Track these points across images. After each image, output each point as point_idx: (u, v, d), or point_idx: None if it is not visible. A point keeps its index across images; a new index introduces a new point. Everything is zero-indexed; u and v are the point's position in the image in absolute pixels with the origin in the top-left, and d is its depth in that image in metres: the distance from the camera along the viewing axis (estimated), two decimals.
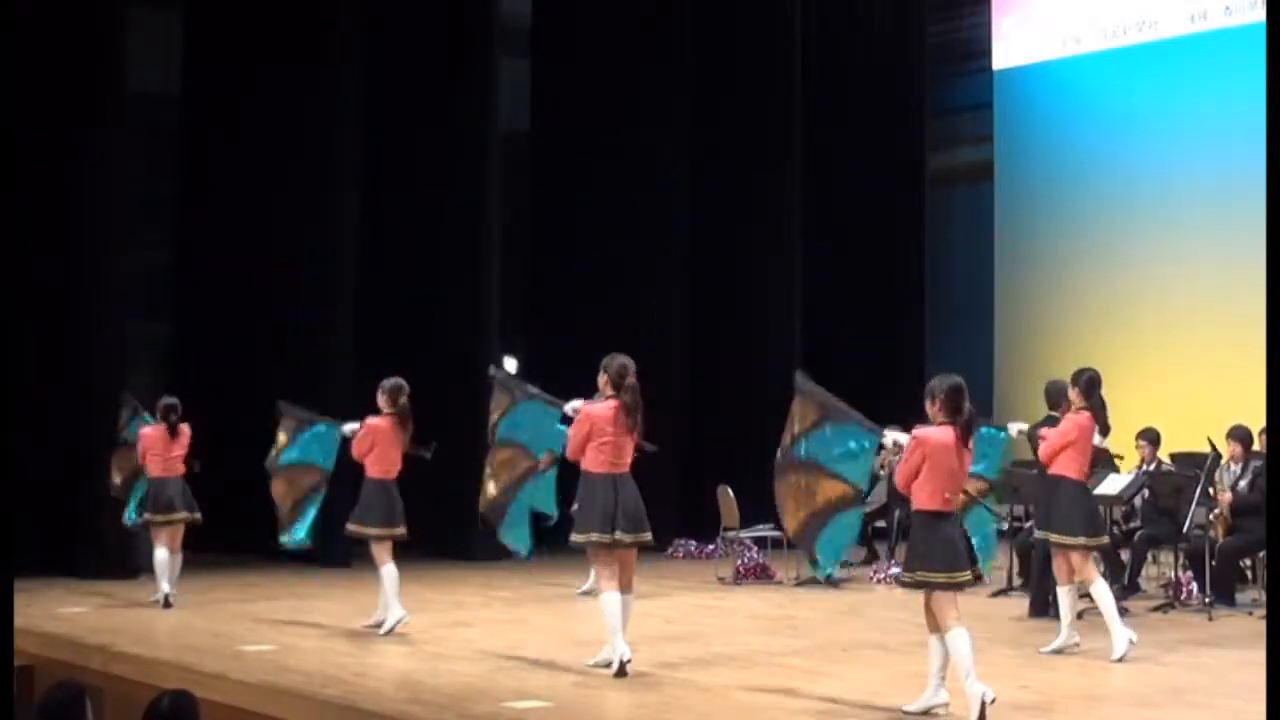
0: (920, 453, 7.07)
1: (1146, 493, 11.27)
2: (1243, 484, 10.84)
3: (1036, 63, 17.01)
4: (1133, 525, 11.48)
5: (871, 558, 13.63)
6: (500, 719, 7.23)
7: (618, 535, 8.19)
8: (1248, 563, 11.28)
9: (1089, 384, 8.90)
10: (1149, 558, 11.69)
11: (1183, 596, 10.83)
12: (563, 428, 9.27)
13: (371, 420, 9.83)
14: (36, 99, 12.46)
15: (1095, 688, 8.14)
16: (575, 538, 8.34)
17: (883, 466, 13.92)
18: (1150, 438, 11.48)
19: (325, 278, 14.05)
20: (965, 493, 7.44)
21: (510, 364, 12.73)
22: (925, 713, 7.14)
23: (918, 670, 7.45)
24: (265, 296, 14.03)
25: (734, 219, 16.44)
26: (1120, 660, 8.55)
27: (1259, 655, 7.51)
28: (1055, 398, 9.66)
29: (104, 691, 8.13)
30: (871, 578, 12.73)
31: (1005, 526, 12.27)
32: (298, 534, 10.49)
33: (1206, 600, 10.50)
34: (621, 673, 8.05)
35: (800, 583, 12.48)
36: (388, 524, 9.73)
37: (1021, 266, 17.04)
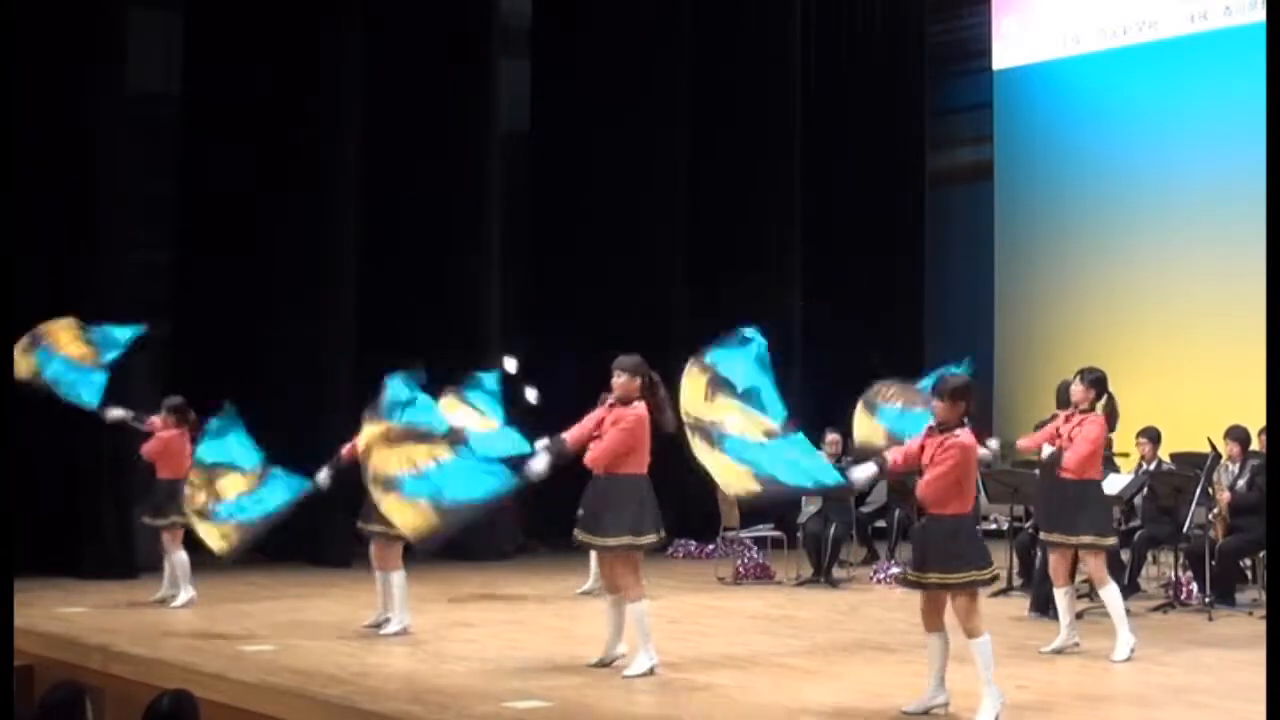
0: (967, 461, 7.04)
1: (1146, 492, 11.28)
2: (1241, 483, 10.86)
3: (1036, 63, 17.02)
4: (1133, 525, 11.48)
5: (871, 558, 13.64)
6: (500, 719, 7.23)
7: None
8: (1248, 563, 11.28)
9: (1098, 383, 8.87)
10: (1149, 558, 11.70)
11: (1183, 596, 10.83)
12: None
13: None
14: (36, 99, 12.46)
15: (1095, 688, 8.14)
16: (645, 540, 8.20)
17: None
18: (1151, 436, 11.48)
19: (325, 278, 14.04)
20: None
21: (510, 364, 12.74)
22: (925, 713, 7.14)
23: (918, 670, 7.45)
24: (265, 296, 14.02)
25: (734, 219, 16.44)
26: (1119, 660, 8.56)
27: (1259, 655, 7.51)
28: (1066, 398, 9.61)
29: (104, 691, 8.12)
30: (871, 578, 12.73)
31: (1005, 526, 12.30)
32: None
33: (1206, 600, 10.50)
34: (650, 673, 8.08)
35: (800, 583, 12.48)
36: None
37: (1021, 266, 17.04)
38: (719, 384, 7.42)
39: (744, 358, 7.53)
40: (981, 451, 8.06)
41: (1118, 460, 11.58)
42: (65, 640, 9.57)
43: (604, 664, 8.37)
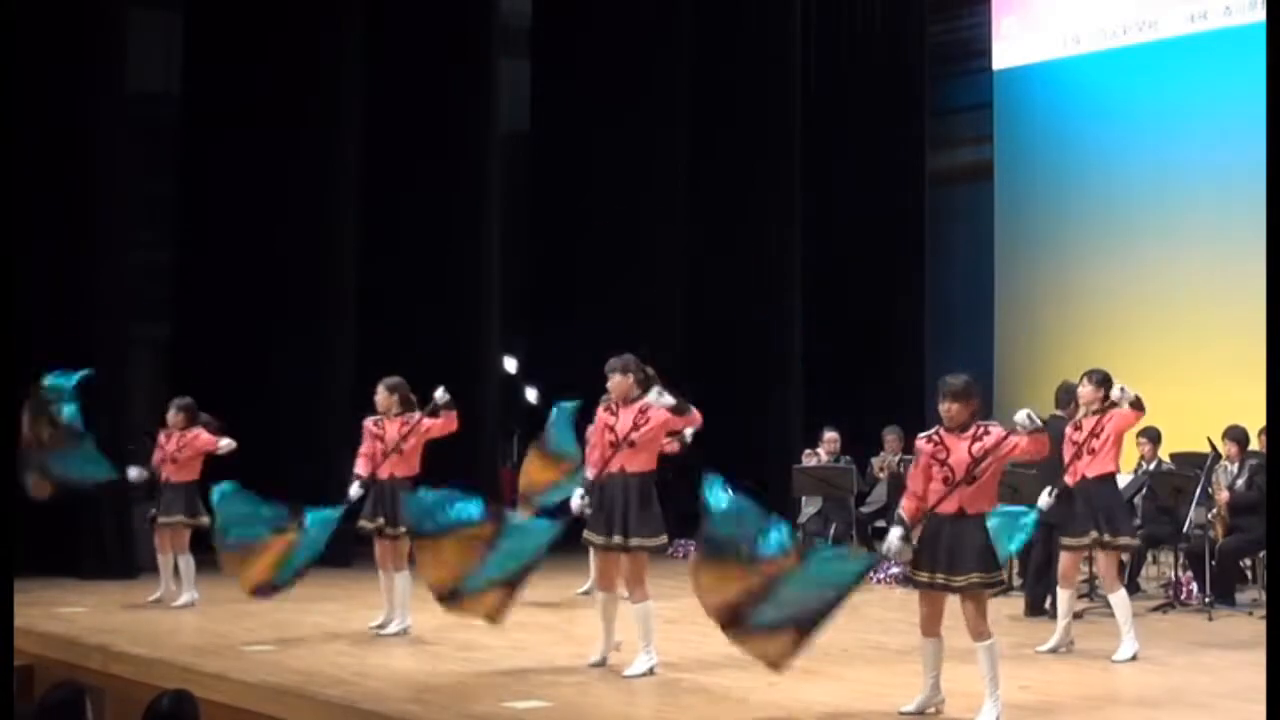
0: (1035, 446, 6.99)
1: (1146, 492, 11.28)
2: (1240, 482, 10.87)
3: (1036, 63, 17.00)
4: (1133, 525, 11.48)
5: None
6: (500, 719, 7.23)
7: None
8: (1248, 563, 11.29)
9: (1105, 382, 8.88)
10: (1149, 558, 11.70)
11: (1183, 596, 10.83)
12: None
13: (426, 420, 9.67)
14: (37, 99, 12.45)
15: (1095, 688, 8.14)
16: (657, 542, 8.26)
17: (882, 469, 13.94)
18: (1151, 436, 11.48)
19: (325, 278, 14.04)
20: None
21: (510, 364, 12.74)
22: (922, 713, 7.15)
23: (918, 670, 7.45)
24: (265, 296, 14.02)
25: (734, 219, 16.44)
26: (1119, 660, 8.56)
27: (1259, 655, 7.52)
28: (1066, 399, 9.63)
29: (104, 691, 8.12)
30: (871, 578, 12.71)
31: None
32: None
33: (1206, 600, 10.50)
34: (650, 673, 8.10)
35: None
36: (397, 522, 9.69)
37: (1021, 266, 17.02)
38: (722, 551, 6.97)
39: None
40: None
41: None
42: (65, 640, 9.56)
43: (603, 662, 8.38)
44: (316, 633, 9.75)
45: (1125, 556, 11.41)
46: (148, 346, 15.24)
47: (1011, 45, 17.23)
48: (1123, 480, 10.89)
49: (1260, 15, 14.37)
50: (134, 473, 11.18)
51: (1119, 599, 8.83)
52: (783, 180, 16.65)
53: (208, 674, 8.30)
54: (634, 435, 8.16)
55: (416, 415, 9.67)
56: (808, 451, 13.40)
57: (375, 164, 14.58)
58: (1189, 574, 10.96)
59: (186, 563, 10.99)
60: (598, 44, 16.11)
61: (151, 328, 14.98)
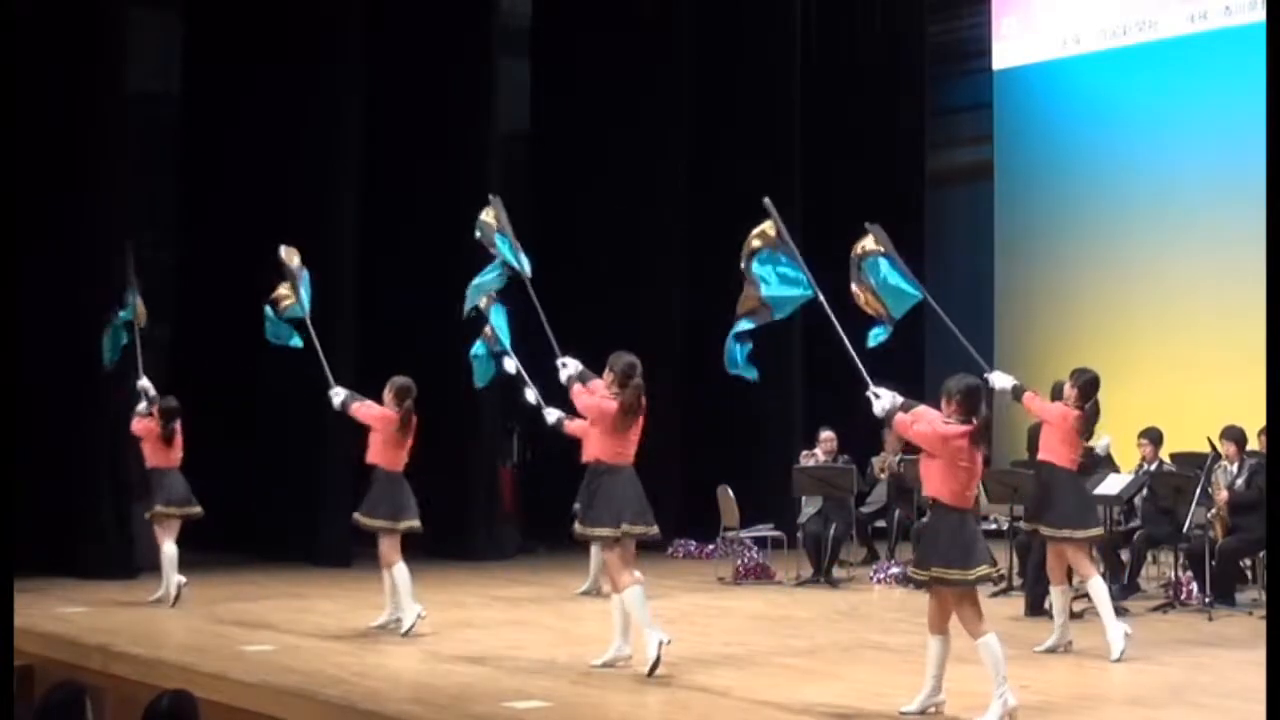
0: (935, 437, 7.14)
1: (1146, 492, 11.28)
2: (1239, 482, 10.87)
3: (1036, 63, 17.00)
4: (1133, 525, 11.49)
5: (871, 558, 13.63)
6: (500, 719, 7.24)
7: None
8: (1248, 563, 11.29)
9: (1089, 385, 8.92)
10: (1149, 558, 11.70)
11: (1183, 596, 10.83)
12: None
13: (386, 411, 9.83)
14: (36, 99, 12.46)
15: (1094, 687, 8.15)
16: (638, 529, 8.32)
17: (882, 469, 13.94)
18: (1152, 437, 11.49)
19: (325, 278, 13.97)
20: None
21: (510, 364, 12.73)
22: (922, 713, 7.15)
23: (918, 670, 7.45)
24: (265, 296, 14.00)
25: (734, 219, 16.40)
26: (1119, 660, 8.56)
27: (1259, 655, 7.52)
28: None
29: (104, 691, 8.13)
30: (871, 578, 12.73)
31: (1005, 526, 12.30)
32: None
33: (1206, 600, 10.50)
34: (656, 666, 8.09)
35: (800, 583, 12.48)
36: (393, 517, 9.71)
37: (1021, 266, 17.03)
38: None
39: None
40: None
41: (1117, 460, 11.56)
42: (65, 640, 9.57)
43: (609, 665, 8.38)
44: (316, 633, 9.75)
45: (1126, 555, 11.46)
46: (148, 346, 15.22)
47: (1011, 45, 17.23)
48: (1123, 480, 10.91)
49: (1260, 15, 14.37)
50: (143, 382, 11.35)
51: (1092, 587, 8.84)
52: (783, 180, 16.63)
53: (208, 674, 8.31)
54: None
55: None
56: (805, 452, 13.39)
57: (375, 164, 14.58)
58: (1189, 574, 10.96)
59: (168, 554, 10.98)
60: (598, 44, 16.10)
61: (151, 327, 14.97)
